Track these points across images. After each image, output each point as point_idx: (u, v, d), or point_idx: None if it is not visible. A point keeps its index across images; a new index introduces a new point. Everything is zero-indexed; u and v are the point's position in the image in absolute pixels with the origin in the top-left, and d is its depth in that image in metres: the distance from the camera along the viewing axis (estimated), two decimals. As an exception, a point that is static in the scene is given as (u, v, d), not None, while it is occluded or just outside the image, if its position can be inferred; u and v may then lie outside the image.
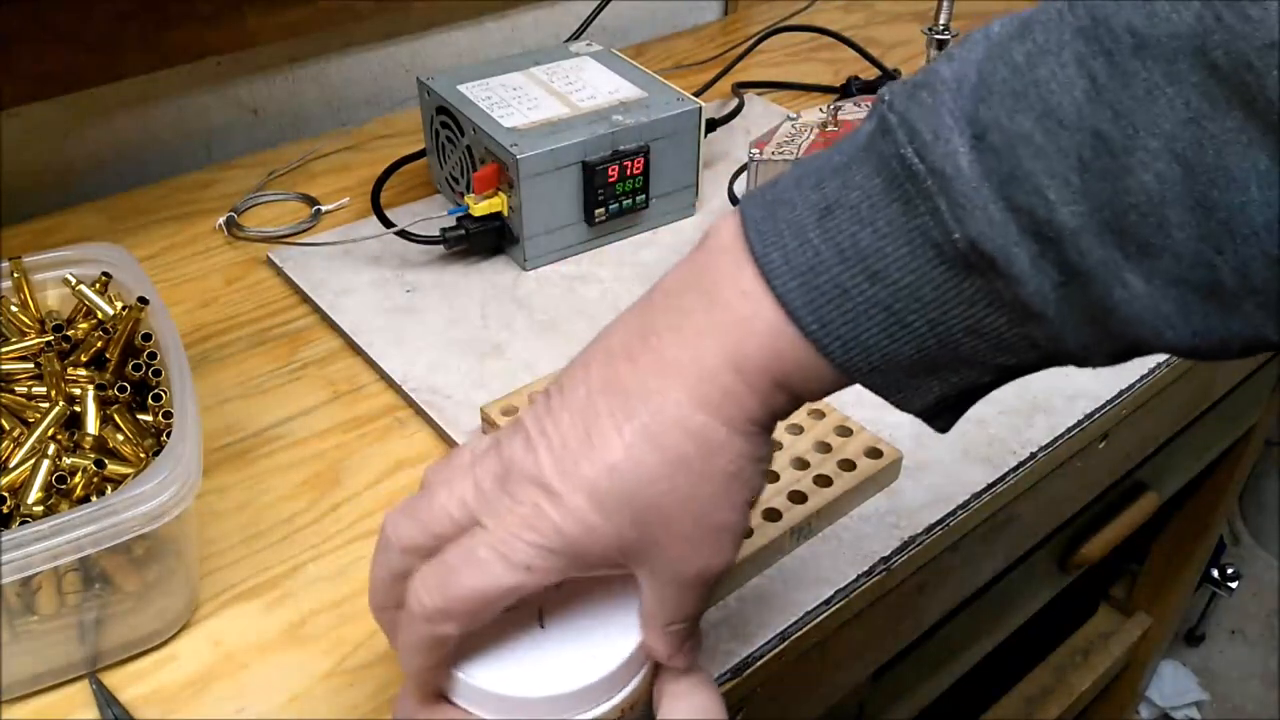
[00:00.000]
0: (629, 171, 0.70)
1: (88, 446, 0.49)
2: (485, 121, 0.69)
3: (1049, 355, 0.31)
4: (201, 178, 0.82)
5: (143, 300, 0.53)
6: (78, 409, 0.50)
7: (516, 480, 0.33)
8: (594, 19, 0.88)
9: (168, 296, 0.68)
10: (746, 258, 0.32)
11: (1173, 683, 1.61)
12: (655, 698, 0.37)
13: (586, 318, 0.67)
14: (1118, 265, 0.28)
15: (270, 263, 0.72)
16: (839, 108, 0.76)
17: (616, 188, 0.70)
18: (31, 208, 0.78)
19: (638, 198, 0.72)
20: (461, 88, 0.73)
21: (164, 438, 0.49)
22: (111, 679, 0.46)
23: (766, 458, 0.34)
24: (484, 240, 0.70)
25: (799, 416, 0.56)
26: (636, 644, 0.36)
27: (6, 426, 0.49)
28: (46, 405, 0.50)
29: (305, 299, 0.69)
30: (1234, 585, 1.57)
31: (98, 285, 0.54)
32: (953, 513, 0.54)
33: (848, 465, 0.54)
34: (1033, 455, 0.58)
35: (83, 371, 0.52)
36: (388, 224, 0.71)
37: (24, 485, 0.46)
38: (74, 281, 0.54)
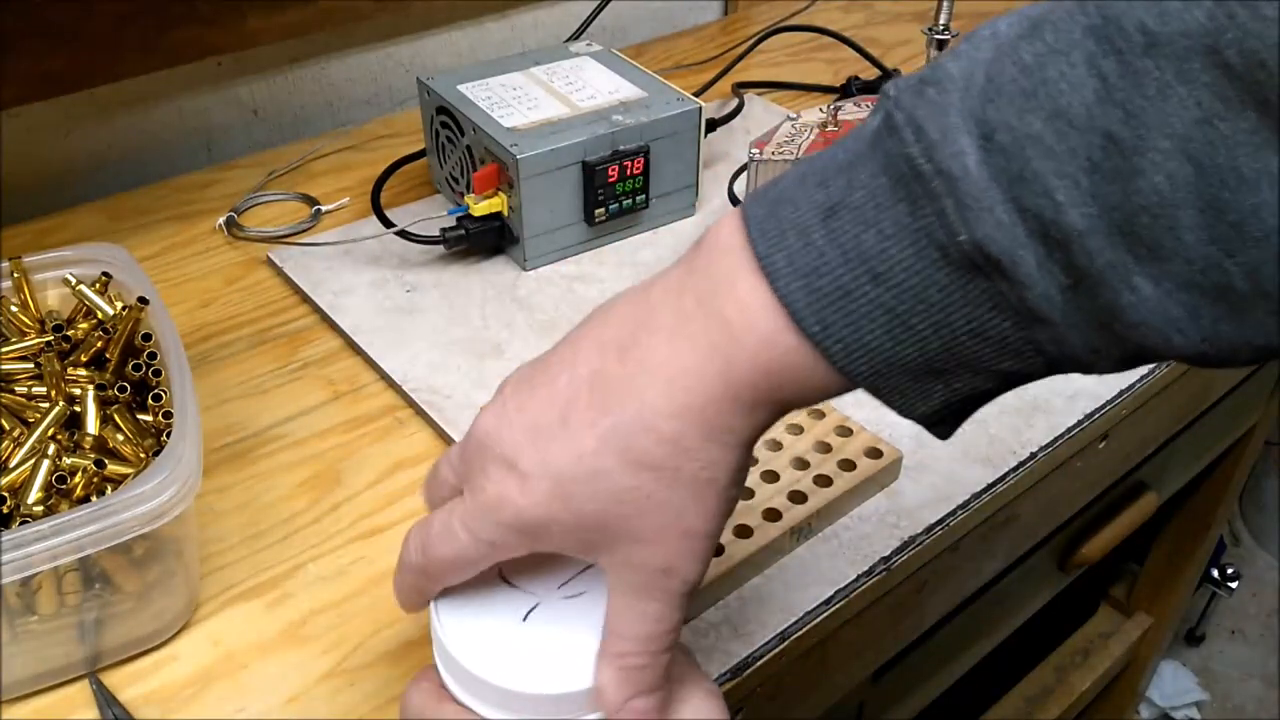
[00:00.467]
0: (629, 171, 0.70)
1: (88, 446, 0.49)
2: (485, 121, 0.69)
3: (1054, 361, 0.30)
4: (201, 178, 0.82)
5: (143, 300, 0.53)
6: (78, 409, 0.50)
7: (490, 456, 0.34)
8: (594, 19, 0.88)
9: (168, 296, 0.68)
10: (749, 258, 0.31)
11: (1173, 683, 1.61)
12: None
13: (586, 318, 0.67)
14: (1127, 268, 0.27)
15: (270, 263, 0.72)
16: (839, 108, 0.76)
17: (616, 188, 0.70)
18: (31, 208, 0.78)
19: (638, 198, 0.72)
20: (461, 88, 0.73)
21: (164, 438, 0.49)
22: (111, 679, 0.46)
23: (744, 468, 0.34)
24: (484, 240, 0.70)
25: (799, 416, 0.56)
26: None
27: (6, 426, 0.49)
28: (46, 405, 0.50)
29: (305, 299, 0.69)
30: (1234, 585, 1.57)
31: (98, 285, 0.54)
32: (953, 513, 0.54)
33: (848, 465, 0.54)
34: (1033, 455, 0.58)
35: (83, 371, 0.52)
36: (388, 224, 0.71)
37: (24, 485, 0.46)
38: (74, 281, 0.54)
